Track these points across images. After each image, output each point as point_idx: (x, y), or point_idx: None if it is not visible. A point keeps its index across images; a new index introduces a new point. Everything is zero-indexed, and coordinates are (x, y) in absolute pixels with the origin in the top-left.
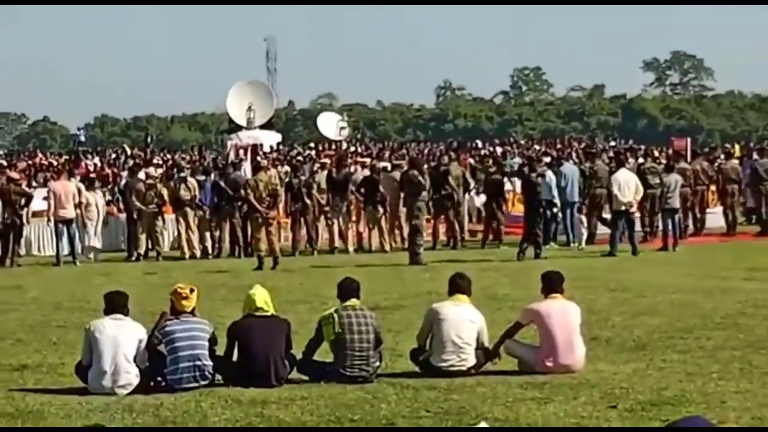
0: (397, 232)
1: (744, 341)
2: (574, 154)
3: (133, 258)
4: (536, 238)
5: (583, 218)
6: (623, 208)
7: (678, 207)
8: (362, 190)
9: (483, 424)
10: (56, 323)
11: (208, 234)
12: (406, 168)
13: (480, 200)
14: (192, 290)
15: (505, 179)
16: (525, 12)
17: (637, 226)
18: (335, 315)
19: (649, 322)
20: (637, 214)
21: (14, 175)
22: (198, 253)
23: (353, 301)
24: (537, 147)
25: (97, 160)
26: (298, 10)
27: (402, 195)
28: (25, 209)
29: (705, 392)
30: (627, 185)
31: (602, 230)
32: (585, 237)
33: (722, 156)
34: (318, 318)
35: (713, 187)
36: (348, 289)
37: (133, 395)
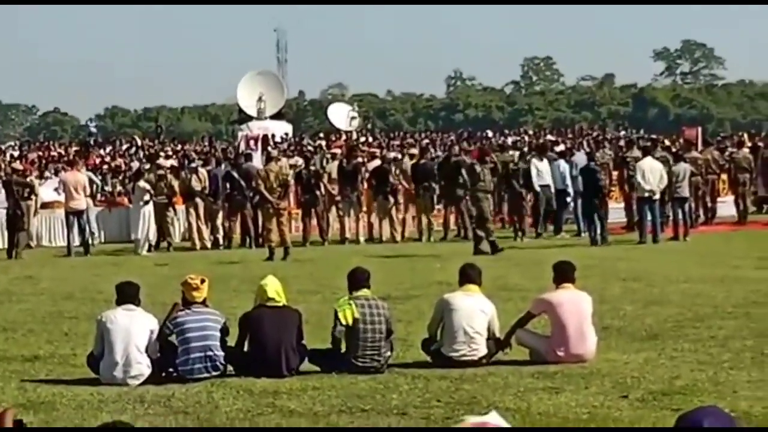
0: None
1: (756, 330)
2: (585, 144)
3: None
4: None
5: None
6: (646, 195)
7: (687, 196)
8: (373, 180)
9: (494, 414)
10: (68, 314)
11: (219, 225)
12: (471, 159)
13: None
14: (203, 281)
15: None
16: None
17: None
18: (351, 302)
19: (661, 312)
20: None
21: (18, 166)
22: (209, 244)
23: (364, 291)
24: (549, 137)
25: (108, 150)
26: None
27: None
28: (30, 200)
29: (717, 381)
30: (652, 173)
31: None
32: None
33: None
34: (331, 309)
35: (724, 176)
36: (359, 278)
37: (144, 386)
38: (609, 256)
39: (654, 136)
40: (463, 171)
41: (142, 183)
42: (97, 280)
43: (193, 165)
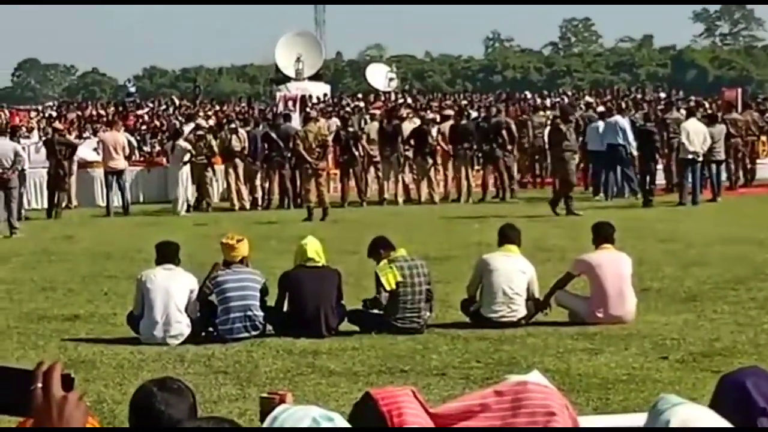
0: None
1: None
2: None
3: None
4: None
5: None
6: (690, 156)
7: (723, 158)
8: (412, 141)
9: (536, 373)
10: (107, 273)
11: (258, 185)
12: (552, 118)
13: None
14: (239, 240)
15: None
16: None
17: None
18: (392, 265)
19: (700, 274)
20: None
21: (58, 125)
22: (247, 205)
23: (401, 251)
24: (588, 98)
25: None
26: None
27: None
28: (72, 160)
29: (757, 343)
30: (696, 135)
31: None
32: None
33: None
34: (370, 269)
35: (764, 138)
36: (384, 243)
37: (184, 345)
38: (648, 218)
39: (695, 98)
40: (503, 131)
41: (181, 142)
42: (137, 240)
43: (233, 125)
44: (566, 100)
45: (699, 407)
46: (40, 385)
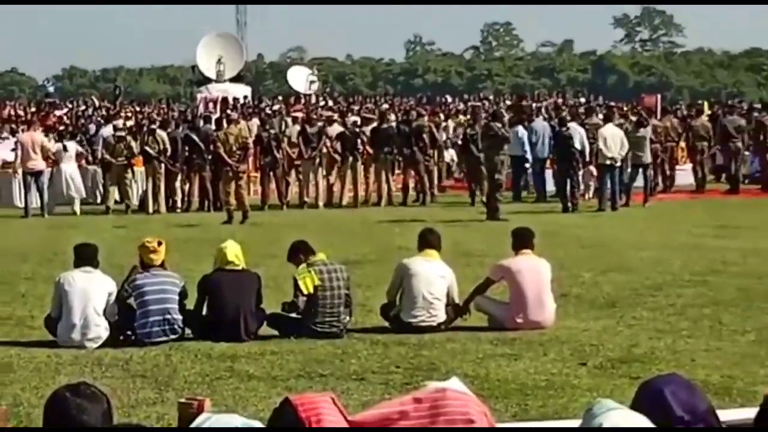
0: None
1: (713, 299)
2: (544, 111)
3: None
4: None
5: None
6: (608, 162)
7: (650, 162)
8: (338, 144)
9: (455, 380)
10: (25, 275)
11: (178, 187)
12: (486, 120)
13: (449, 155)
14: (160, 243)
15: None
16: None
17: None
18: (310, 269)
19: (619, 279)
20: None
21: None
22: (163, 209)
23: (321, 256)
24: (508, 103)
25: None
26: None
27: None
28: None
29: (675, 350)
30: (613, 140)
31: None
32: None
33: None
34: (289, 273)
35: (683, 144)
36: (304, 247)
37: (102, 348)
38: (569, 223)
39: (612, 103)
40: (424, 135)
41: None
42: (55, 241)
43: (152, 127)
44: (487, 104)
45: (633, 413)
46: None
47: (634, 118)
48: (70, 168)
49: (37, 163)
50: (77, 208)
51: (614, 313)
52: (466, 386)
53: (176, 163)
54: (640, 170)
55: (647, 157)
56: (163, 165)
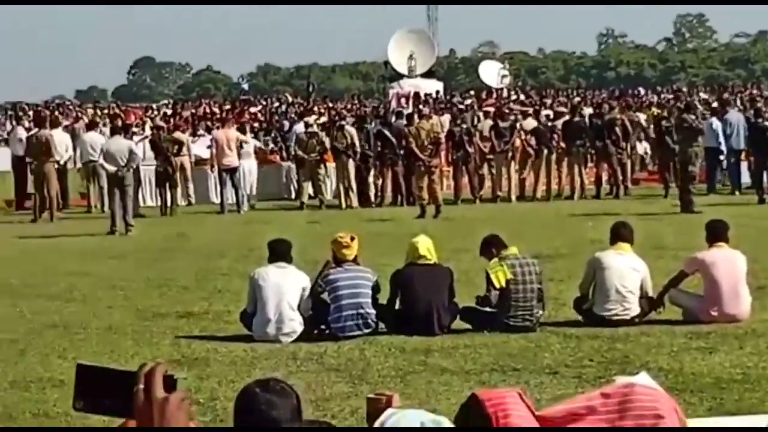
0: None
1: None
2: (738, 102)
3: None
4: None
5: None
6: None
7: None
8: (532, 139)
9: (644, 375)
10: (220, 271)
11: (371, 182)
12: (678, 112)
13: (642, 147)
14: (352, 238)
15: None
16: None
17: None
18: (502, 263)
19: None
20: None
21: (160, 122)
22: (355, 203)
23: (513, 249)
24: (703, 95)
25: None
26: None
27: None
28: (183, 156)
29: None
30: None
31: None
32: None
33: None
34: (482, 267)
35: None
36: (497, 241)
37: (296, 343)
38: (765, 215)
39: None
40: (617, 128)
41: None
42: (249, 237)
43: (341, 123)
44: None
45: None
46: (142, 386)
47: None
48: (248, 164)
49: (233, 159)
50: (246, 207)
51: None
52: (660, 380)
53: (368, 158)
54: None
55: None
56: (351, 160)
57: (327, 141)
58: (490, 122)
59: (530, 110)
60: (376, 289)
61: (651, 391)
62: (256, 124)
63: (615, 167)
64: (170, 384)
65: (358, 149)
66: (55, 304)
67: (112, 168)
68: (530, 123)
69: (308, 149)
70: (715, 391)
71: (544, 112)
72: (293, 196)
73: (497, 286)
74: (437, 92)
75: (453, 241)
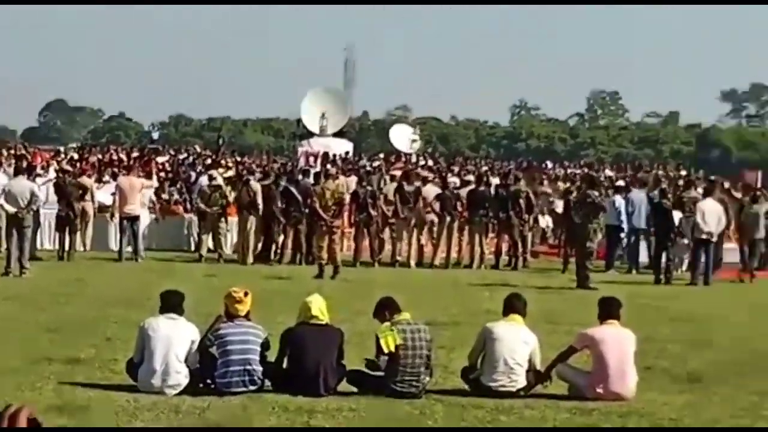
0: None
1: None
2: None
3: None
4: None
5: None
6: (704, 237)
7: (763, 237)
8: (436, 205)
9: None
10: (113, 319)
11: (273, 239)
12: (582, 187)
13: (545, 221)
14: (246, 293)
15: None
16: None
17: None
18: (393, 328)
19: (706, 354)
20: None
21: (66, 166)
22: (251, 259)
23: (405, 315)
24: (608, 172)
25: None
26: (378, 20)
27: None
28: (86, 201)
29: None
30: (710, 215)
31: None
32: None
33: None
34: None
35: None
36: (391, 304)
37: (181, 396)
38: (660, 296)
39: (713, 177)
40: (521, 200)
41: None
42: (146, 287)
43: (247, 178)
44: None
45: None
46: (5, 425)
47: (738, 195)
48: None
49: (134, 207)
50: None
51: (698, 388)
52: None
53: (270, 215)
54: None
55: (760, 233)
56: (252, 216)
57: (231, 195)
58: (395, 185)
59: (435, 177)
60: (265, 346)
61: None
62: (162, 174)
63: (516, 239)
64: (35, 427)
65: (261, 205)
66: None
67: (12, 209)
68: (433, 189)
69: (210, 202)
70: None
71: (450, 179)
72: (193, 248)
73: (386, 350)
74: (347, 153)
75: (349, 303)
